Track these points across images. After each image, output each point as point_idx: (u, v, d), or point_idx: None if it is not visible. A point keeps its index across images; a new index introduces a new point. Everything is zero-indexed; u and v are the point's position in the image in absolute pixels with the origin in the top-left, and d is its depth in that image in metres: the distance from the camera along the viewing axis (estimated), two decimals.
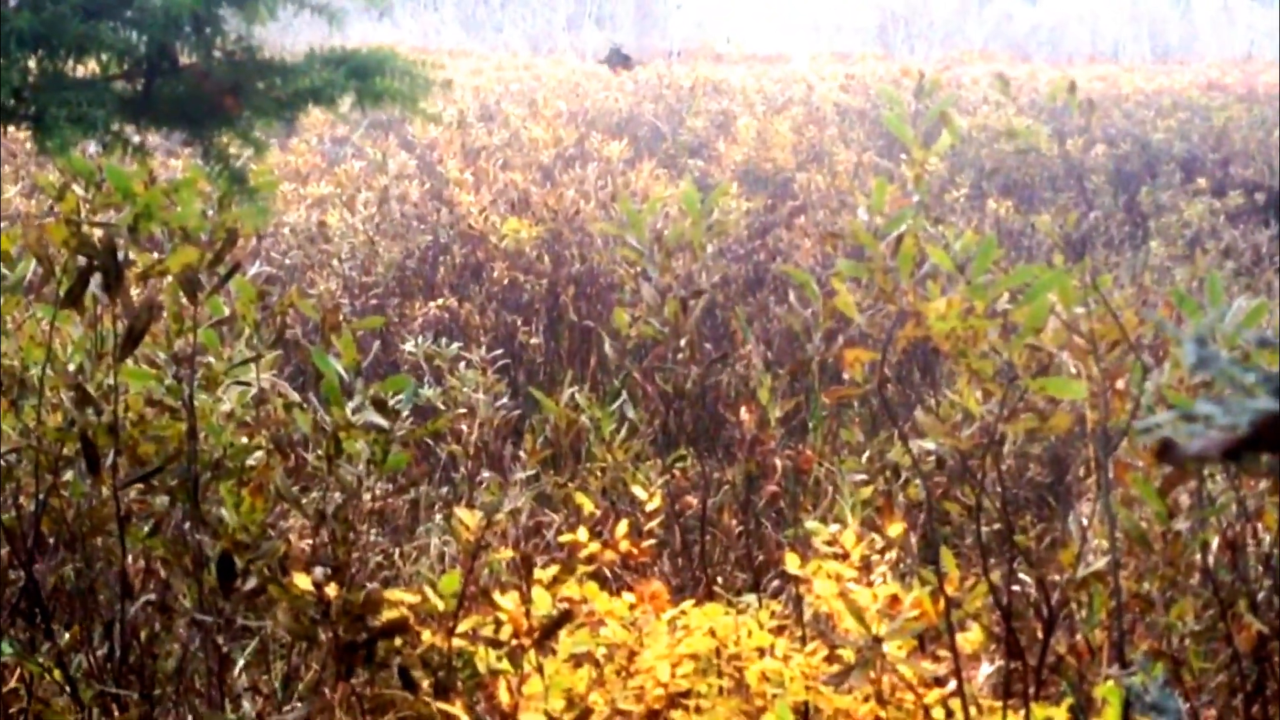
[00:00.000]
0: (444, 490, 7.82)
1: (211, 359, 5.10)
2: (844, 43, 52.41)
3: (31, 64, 2.50)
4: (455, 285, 11.84)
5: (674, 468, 5.92)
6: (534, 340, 11.17)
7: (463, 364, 8.24)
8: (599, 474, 6.07)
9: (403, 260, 11.76)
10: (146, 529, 4.72)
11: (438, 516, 7.07)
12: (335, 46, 2.72)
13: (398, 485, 6.86)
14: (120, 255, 3.74)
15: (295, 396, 5.31)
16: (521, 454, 7.40)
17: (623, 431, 6.08)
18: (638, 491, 5.35)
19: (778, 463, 5.96)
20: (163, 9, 2.42)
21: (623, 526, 5.08)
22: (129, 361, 4.59)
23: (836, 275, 4.33)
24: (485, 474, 7.39)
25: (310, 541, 4.95)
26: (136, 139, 2.69)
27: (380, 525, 6.83)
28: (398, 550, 6.55)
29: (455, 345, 8.64)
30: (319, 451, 4.55)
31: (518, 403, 9.90)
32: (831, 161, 14.87)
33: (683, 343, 5.27)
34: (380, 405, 4.36)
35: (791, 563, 4.46)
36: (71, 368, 4.66)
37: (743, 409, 5.70)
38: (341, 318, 11.43)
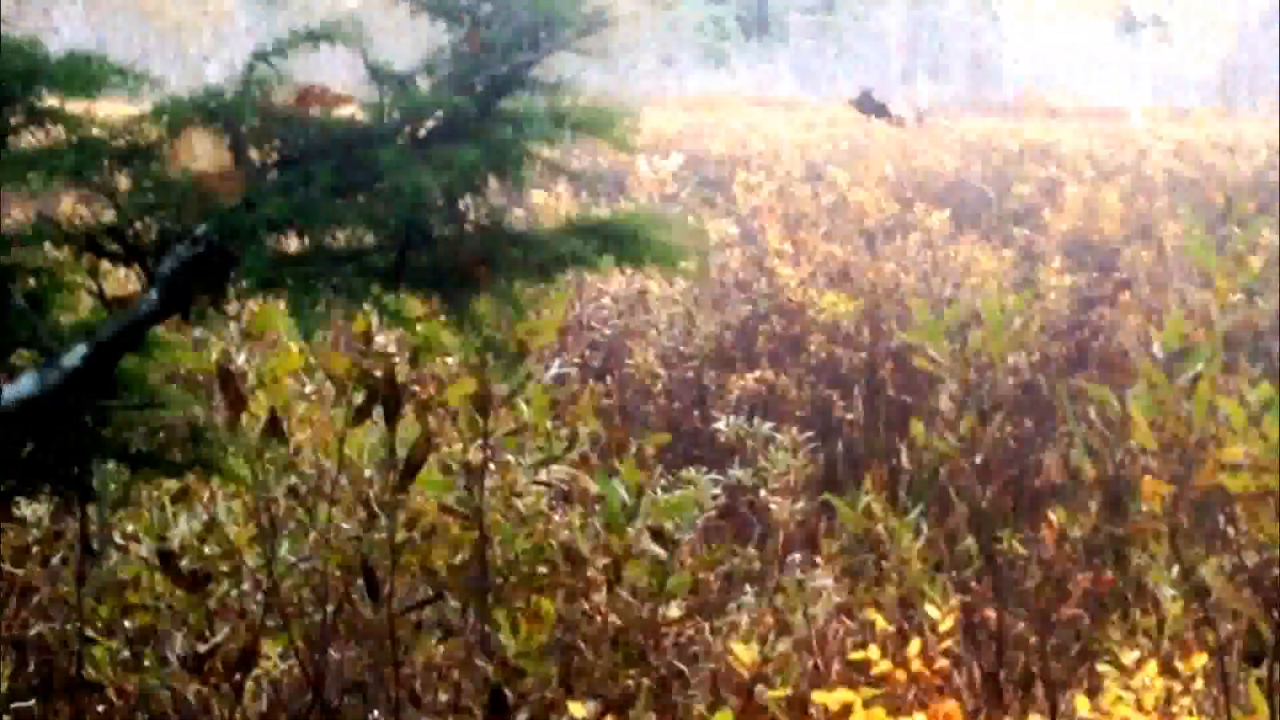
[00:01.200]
0: (758, 566, 7.76)
1: (511, 458, 5.15)
2: (1184, 97, 51.11)
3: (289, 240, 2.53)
4: (773, 357, 11.77)
5: (970, 581, 5.78)
6: (850, 416, 11.05)
7: (772, 445, 8.17)
8: (896, 583, 5.94)
9: (720, 331, 11.72)
10: (436, 637, 4.80)
11: (749, 592, 7.02)
12: (591, 214, 2.71)
13: (709, 562, 6.85)
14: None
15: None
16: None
17: (920, 540, 5.95)
18: (931, 611, 5.24)
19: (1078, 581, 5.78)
20: (410, 187, 2.43)
21: (915, 644, 4.98)
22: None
23: (1134, 401, 4.20)
24: (795, 555, 7.31)
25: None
26: (393, 306, 2.71)
27: (692, 595, 6.80)
28: (708, 625, 6.52)
29: (768, 425, 8.56)
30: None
31: (831, 473, 9.81)
32: (1160, 235, 14.45)
33: (978, 459, 5.17)
34: (658, 535, 4.34)
35: (1082, 706, 4.31)
36: (368, 473, 4.74)
37: (1043, 526, 5.55)
38: (660, 386, 11.44)
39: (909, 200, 17.27)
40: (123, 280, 2.75)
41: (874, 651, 4.95)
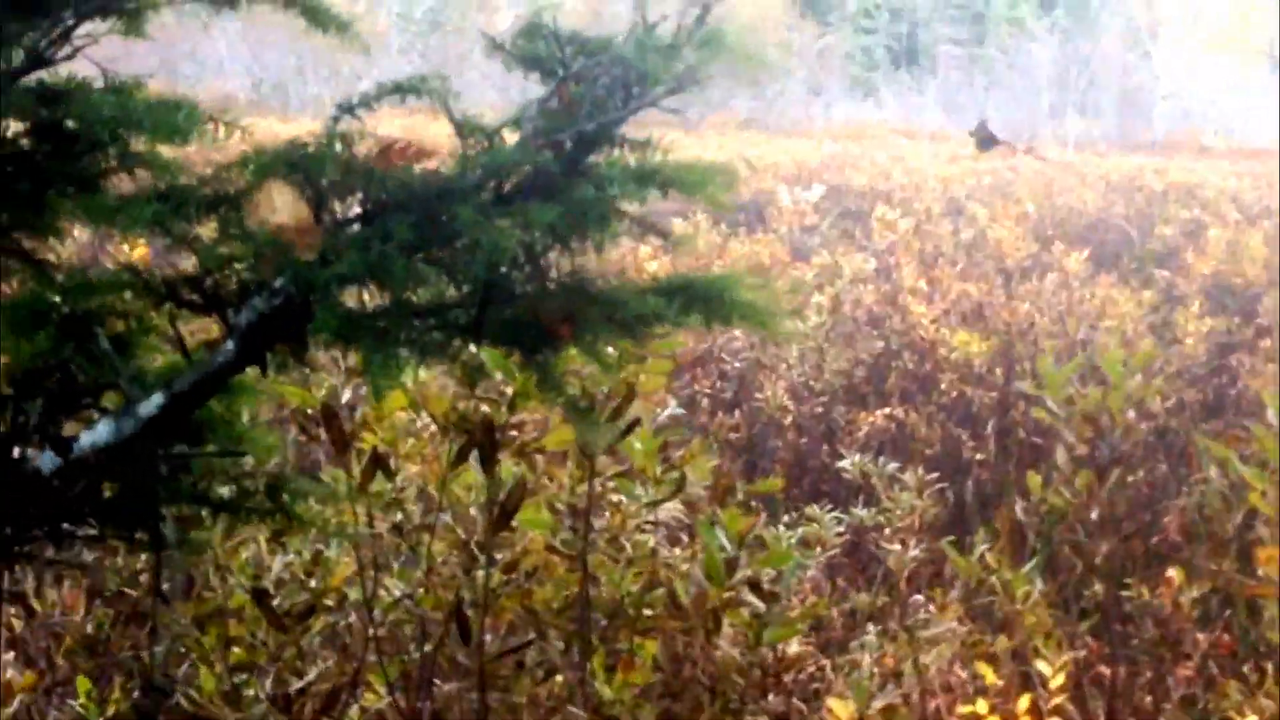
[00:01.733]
0: (882, 600, 7.70)
1: (623, 498, 5.14)
2: None
3: (366, 295, 2.53)
4: (903, 394, 11.69)
5: (1083, 638, 5.69)
6: (980, 456, 10.93)
7: (897, 484, 8.10)
8: (1009, 635, 5.86)
9: (851, 367, 11.66)
10: (537, 677, 4.78)
11: (871, 631, 6.95)
12: (675, 274, 2.67)
13: (831, 596, 6.81)
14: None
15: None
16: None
17: (1034, 594, 5.86)
18: (1042, 667, 5.17)
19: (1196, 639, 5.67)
20: (489, 245, 2.42)
21: (1025, 700, 4.91)
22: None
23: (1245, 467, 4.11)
24: (918, 596, 7.24)
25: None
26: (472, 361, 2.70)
27: (815, 632, 6.76)
28: (829, 664, 6.47)
29: (894, 464, 8.48)
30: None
31: (959, 514, 9.72)
32: None
33: (1094, 515, 5.08)
34: (755, 587, 4.30)
35: None
36: (473, 512, 4.74)
37: (1160, 587, 5.45)
38: (789, 421, 11.38)
39: (1049, 238, 17.10)
40: (208, 327, 2.76)
41: (982, 706, 4.88)
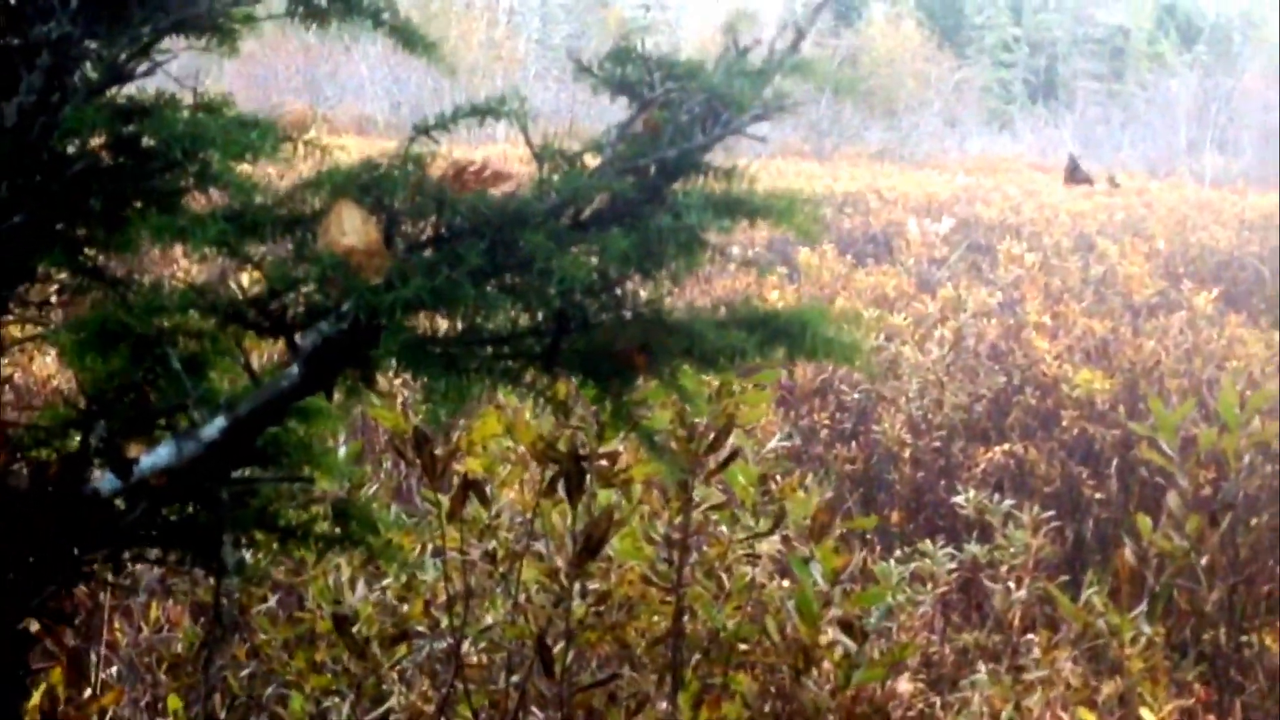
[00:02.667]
0: (994, 639, 7.60)
1: (725, 529, 5.08)
2: None
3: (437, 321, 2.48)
4: (1024, 431, 11.54)
5: (1191, 685, 5.54)
6: (1100, 495, 10.76)
7: (1012, 523, 7.98)
8: (1115, 682, 5.73)
9: (970, 402, 11.53)
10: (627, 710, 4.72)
11: (982, 670, 6.86)
12: (757, 306, 2.59)
13: (944, 633, 6.71)
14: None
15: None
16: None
17: (1141, 642, 5.73)
18: (1145, 715, 5.04)
19: None
20: (561, 272, 2.36)
21: None
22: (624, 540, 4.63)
23: None
24: (1031, 636, 7.13)
25: None
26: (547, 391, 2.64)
27: (926, 669, 6.68)
28: (939, 700, 6.38)
29: (1008, 502, 8.36)
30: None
31: (1078, 553, 9.57)
32: None
33: (1204, 560, 4.94)
34: (846, 627, 4.21)
35: None
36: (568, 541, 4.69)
37: (1271, 635, 5.30)
38: (907, 454, 11.26)
39: (1179, 275, 16.87)
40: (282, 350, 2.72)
41: None
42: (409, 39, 2.88)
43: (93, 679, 4.79)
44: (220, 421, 2.55)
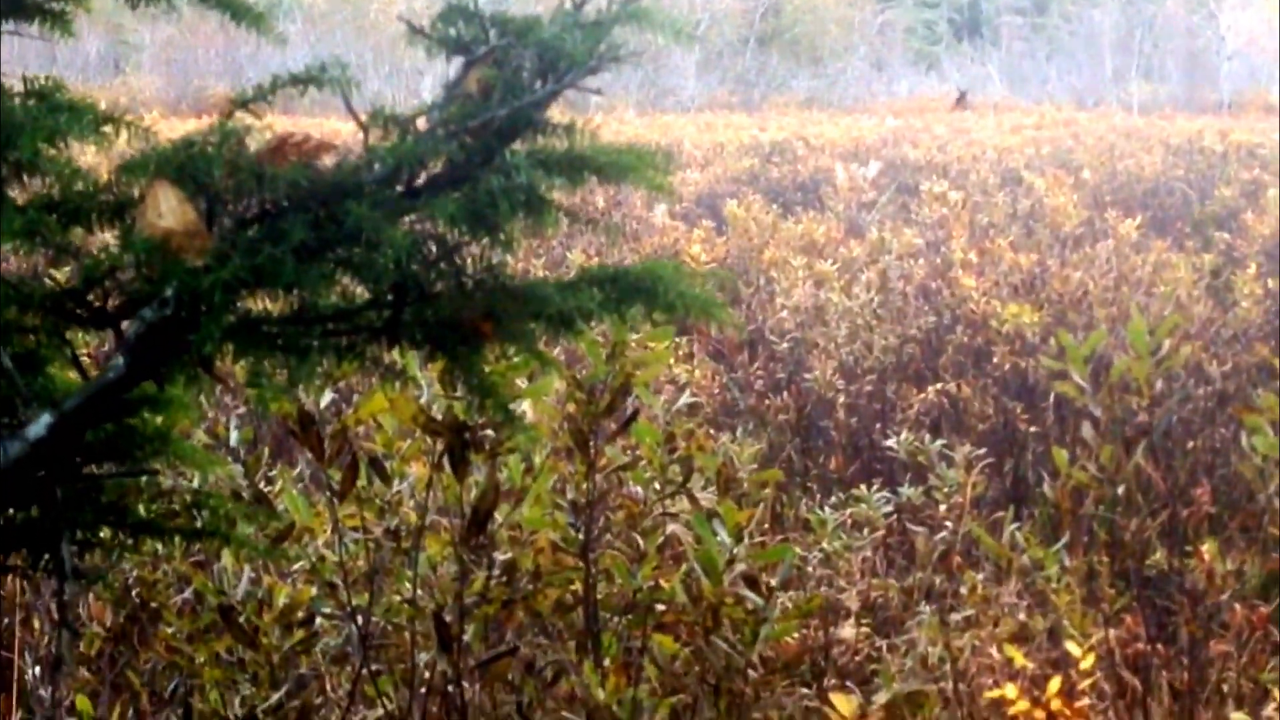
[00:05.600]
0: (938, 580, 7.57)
1: (639, 490, 5.01)
2: None
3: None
4: (956, 369, 11.49)
5: (1117, 617, 5.50)
6: (1034, 429, 10.73)
7: (945, 464, 7.94)
8: (1040, 618, 5.69)
9: (901, 344, 11.47)
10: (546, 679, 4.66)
11: (925, 609, 6.83)
12: (603, 266, 2.51)
13: (887, 576, 6.68)
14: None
15: None
16: None
17: (1065, 576, 5.68)
18: (1072, 648, 5.01)
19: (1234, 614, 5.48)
20: (389, 242, 2.27)
21: (1055, 683, 4.75)
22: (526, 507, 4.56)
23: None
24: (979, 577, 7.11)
25: None
26: (390, 363, 2.56)
27: (871, 614, 6.64)
28: (885, 644, 6.35)
29: (940, 442, 8.30)
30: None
31: (1018, 490, 9.55)
32: None
33: (1119, 490, 4.91)
34: (751, 582, 4.14)
35: None
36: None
37: (1194, 560, 5.26)
38: (841, 400, 11.21)
39: (1105, 204, 16.87)
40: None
41: (1011, 690, 4.74)
42: (235, 11, 2.78)
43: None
44: (47, 419, 2.46)
